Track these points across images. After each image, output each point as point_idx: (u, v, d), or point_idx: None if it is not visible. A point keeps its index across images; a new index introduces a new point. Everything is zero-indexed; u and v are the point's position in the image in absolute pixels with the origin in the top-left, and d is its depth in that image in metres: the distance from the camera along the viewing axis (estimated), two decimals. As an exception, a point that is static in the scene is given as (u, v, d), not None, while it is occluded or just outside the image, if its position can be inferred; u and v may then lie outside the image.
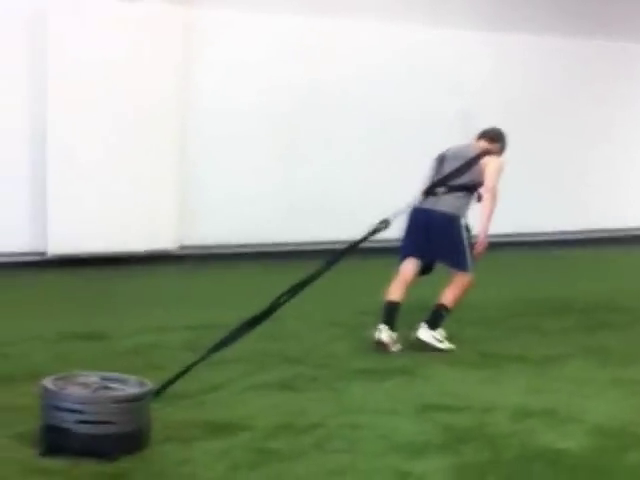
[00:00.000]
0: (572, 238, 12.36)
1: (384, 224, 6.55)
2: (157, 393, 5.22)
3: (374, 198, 10.96)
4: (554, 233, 12.30)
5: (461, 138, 7.33)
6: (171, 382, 5.44)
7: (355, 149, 11.19)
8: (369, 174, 11.16)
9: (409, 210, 7.05)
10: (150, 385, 4.92)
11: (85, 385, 4.81)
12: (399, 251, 7.21)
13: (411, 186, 7.14)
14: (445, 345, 6.98)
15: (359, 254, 10.31)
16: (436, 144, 7.16)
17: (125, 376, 4.95)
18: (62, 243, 9.64)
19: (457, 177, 6.96)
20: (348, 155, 11.12)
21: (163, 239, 10.08)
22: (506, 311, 8.21)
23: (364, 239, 6.60)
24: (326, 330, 6.83)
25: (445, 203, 6.98)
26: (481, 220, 6.98)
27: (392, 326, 6.91)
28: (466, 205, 7.07)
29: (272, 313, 5.95)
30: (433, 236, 7.04)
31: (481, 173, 6.98)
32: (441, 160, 7.15)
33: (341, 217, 10.90)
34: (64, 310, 8.00)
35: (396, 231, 10.61)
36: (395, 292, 7.03)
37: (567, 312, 8.56)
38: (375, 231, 6.57)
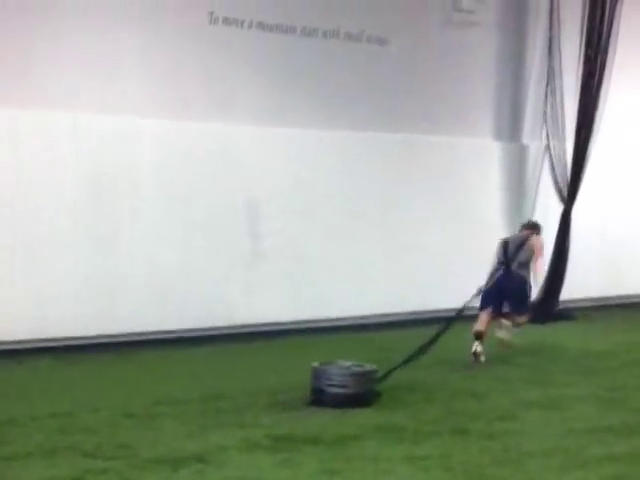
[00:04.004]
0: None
1: (478, 291, 9.97)
2: (382, 378, 8.25)
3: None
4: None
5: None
6: (393, 370, 8.37)
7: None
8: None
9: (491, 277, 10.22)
10: (374, 370, 8.15)
11: (339, 366, 8.07)
12: (480, 302, 10.18)
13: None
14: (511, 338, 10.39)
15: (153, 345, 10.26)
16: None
17: (365, 364, 8.22)
18: None
19: (519, 255, 10.31)
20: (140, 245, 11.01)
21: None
22: (300, 394, 8.26)
23: (465, 306, 9.66)
24: (120, 422, 6.67)
25: (519, 271, 10.28)
26: (537, 281, 11.07)
27: (481, 342, 9.88)
28: (529, 272, 10.42)
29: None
30: (509, 292, 10.19)
31: (530, 250, 10.44)
32: (506, 245, 10.45)
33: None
34: None
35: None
36: (480, 326, 9.96)
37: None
38: (475, 296, 9.90)
